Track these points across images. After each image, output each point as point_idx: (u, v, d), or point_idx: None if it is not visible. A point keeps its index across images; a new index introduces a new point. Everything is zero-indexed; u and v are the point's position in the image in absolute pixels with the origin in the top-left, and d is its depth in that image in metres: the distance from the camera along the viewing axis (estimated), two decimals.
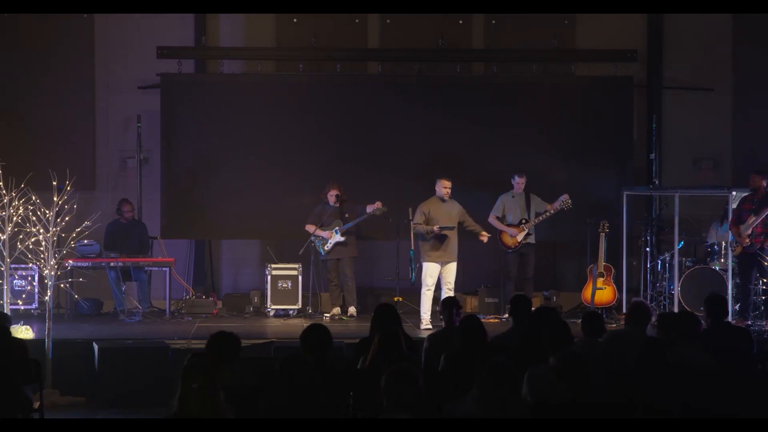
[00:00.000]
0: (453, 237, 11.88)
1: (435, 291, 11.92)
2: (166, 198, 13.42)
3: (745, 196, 11.86)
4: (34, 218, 9.96)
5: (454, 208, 12.00)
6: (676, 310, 11.92)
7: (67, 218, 10.35)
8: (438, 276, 11.86)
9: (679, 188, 12.79)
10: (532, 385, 6.13)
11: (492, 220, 12.51)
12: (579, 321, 7.92)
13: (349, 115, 13.51)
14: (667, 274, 12.73)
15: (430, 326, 11.60)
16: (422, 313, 11.80)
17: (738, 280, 11.90)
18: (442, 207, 11.95)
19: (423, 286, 11.87)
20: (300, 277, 12.91)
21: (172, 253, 13.32)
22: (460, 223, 11.99)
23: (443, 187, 11.95)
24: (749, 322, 11.50)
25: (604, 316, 11.35)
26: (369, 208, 12.43)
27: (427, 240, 11.84)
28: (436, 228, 11.78)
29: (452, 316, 8.07)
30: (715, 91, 14.15)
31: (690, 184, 13.66)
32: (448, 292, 11.70)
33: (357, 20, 14.05)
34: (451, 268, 11.88)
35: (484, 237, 12.09)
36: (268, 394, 5.78)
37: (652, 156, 13.69)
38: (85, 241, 12.06)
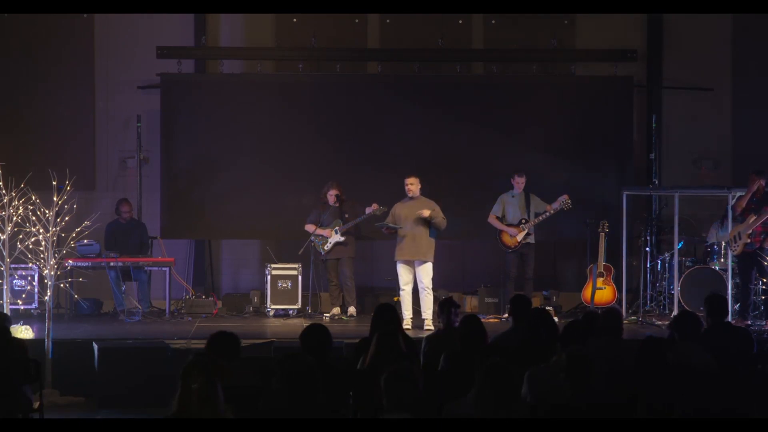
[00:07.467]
0: (418, 236, 11.65)
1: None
2: (165, 198, 13.42)
3: (742, 196, 11.84)
4: (33, 218, 9.96)
5: (418, 206, 11.72)
6: (676, 310, 11.93)
7: (66, 218, 10.35)
8: (412, 276, 11.72)
9: (678, 188, 12.79)
10: (532, 386, 6.12)
11: (491, 219, 12.50)
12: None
13: (348, 115, 13.50)
14: (667, 274, 12.73)
15: (409, 326, 11.44)
16: (402, 313, 11.57)
17: (738, 280, 11.89)
18: (404, 206, 11.82)
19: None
20: (300, 277, 12.91)
21: (172, 253, 13.32)
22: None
23: (406, 185, 11.84)
24: (749, 322, 11.50)
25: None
26: (368, 210, 12.43)
27: (394, 240, 11.83)
28: (384, 229, 11.83)
29: (450, 316, 8.06)
30: (715, 91, 14.13)
31: (690, 184, 13.66)
32: (422, 291, 11.62)
33: (357, 20, 14.04)
34: (424, 269, 11.65)
35: (425, 213, 11.60)
36: (268, 394, 5.77)
37: (652, 156, 13.69)
38: (85, 241, 12.05)
